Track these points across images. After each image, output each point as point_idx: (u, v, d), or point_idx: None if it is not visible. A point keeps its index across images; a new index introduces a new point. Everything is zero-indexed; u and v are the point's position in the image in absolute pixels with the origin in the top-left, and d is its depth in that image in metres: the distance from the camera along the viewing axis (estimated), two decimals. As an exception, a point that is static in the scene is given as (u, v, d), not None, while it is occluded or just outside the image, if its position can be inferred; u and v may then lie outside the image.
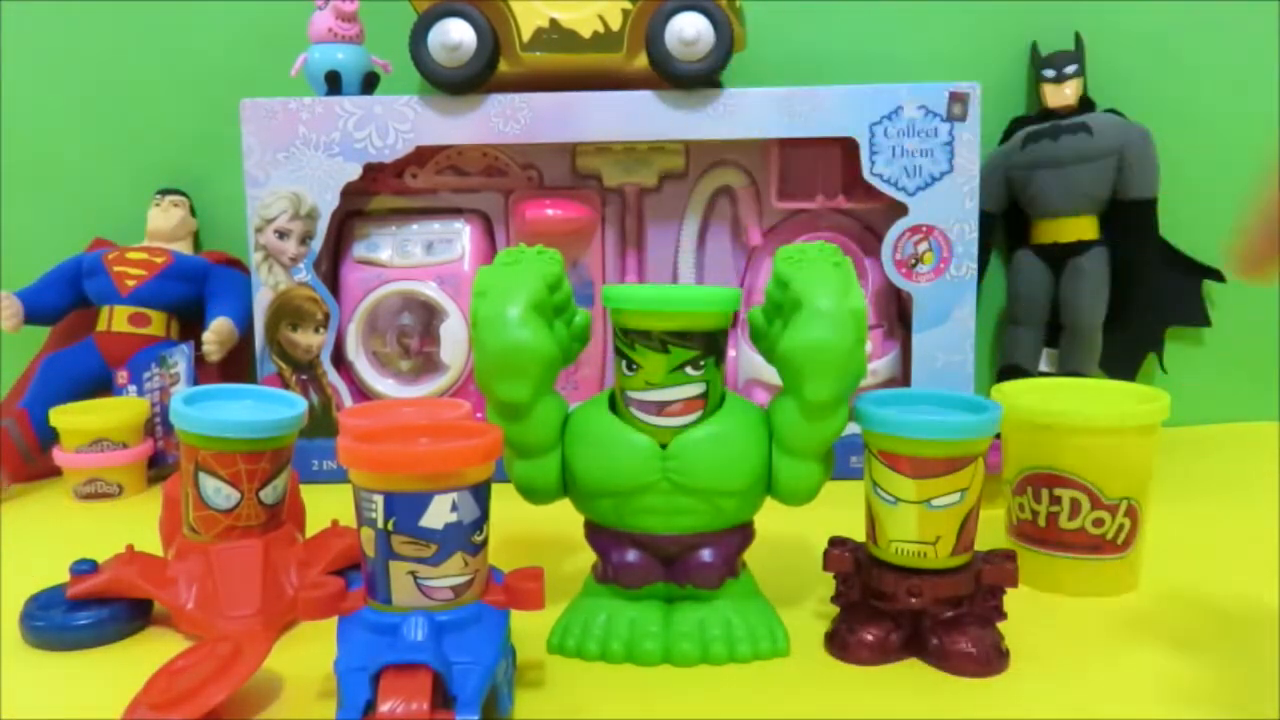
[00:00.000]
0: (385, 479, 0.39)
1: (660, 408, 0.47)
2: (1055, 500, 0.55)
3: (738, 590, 0.50)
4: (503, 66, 0.79)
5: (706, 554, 0.48)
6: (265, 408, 0.54)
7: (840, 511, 0.54)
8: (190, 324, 0.90)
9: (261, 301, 0.81)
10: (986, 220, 0.85)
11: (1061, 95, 0.89)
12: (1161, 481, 0.74)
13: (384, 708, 0.37)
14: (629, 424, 0.48)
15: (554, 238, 0.83)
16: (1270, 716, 0.42)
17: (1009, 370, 0.92)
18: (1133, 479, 0.55)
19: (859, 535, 0.51)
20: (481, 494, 0.41)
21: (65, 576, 0.53)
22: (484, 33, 0.77)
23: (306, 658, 0.48)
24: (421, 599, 0.40)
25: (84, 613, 0.51)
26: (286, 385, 0.82)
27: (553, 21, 0.78)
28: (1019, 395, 0.58)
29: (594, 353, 0.87)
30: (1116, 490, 0.54)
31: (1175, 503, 0.70)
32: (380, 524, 0.39)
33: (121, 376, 0.86)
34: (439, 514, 0.39)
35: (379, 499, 0.39)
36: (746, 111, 0.78)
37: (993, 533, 0.57)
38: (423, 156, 0.85)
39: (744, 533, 0.50)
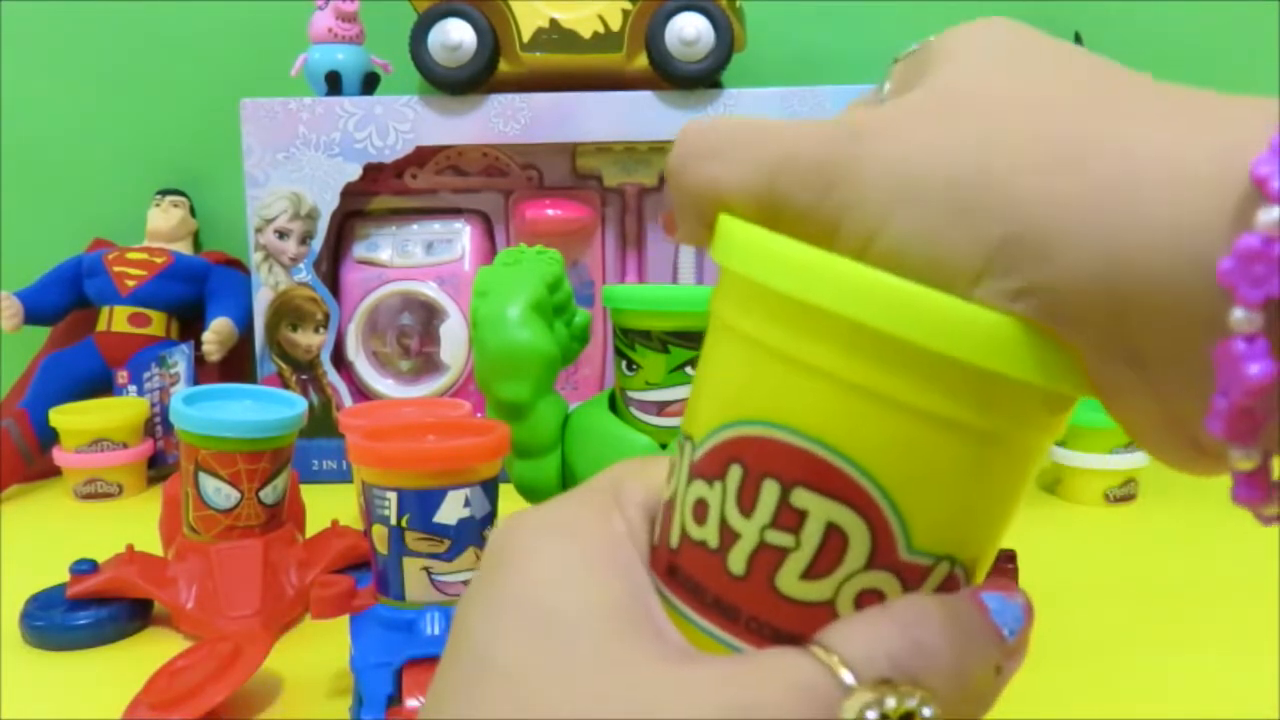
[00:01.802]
0: (399, 476, 0.39)
1: (660, 408, 0.47)
2: (789, 518, 0.19)
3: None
4: (503, 66, 0.79)
5: (706, 554, 0.48)
6: (265, 408, 0.54)
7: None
8: (190, 324, 0.90)
9: (261, 301, 0.81)
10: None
11: (1061, 95, 0.89)
12: (1157, 483, 0.74)
13: (410, 702, 0.37)
14: (629, 424, 0.48)
15: (554, 238, 0.83)
16: (1270, 716, 0.42)
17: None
18: (983, 514, 0.20)
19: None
20: (491, 489, 0.41)
21: (65, 576, 0.53)
22: (484, 33, 0.77)
23: (306, 658, 0.48)
24: (435, 594, 0.41)
25: (84, 613, 0.51)
26: (286, 385, 0.82)
27: (553, 21, 0.78)
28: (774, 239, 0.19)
29: (594, 353, 0.87)
30: (939, 533, 0.19)
31: (1173, 504, 0.71)
32: (394, 521, 0.40)
33: (121, 376, 0.86)
34: (453, 510, 0.40)
35: (392, 496, 0.39)
36: (746, 111, 0.78)
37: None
38: (423, 156, 0.85)
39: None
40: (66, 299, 0.90)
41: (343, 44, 0.82)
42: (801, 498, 0.18)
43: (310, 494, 0.61)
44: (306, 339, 0.82)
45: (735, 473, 0.19)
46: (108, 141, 0.99)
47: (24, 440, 0.81)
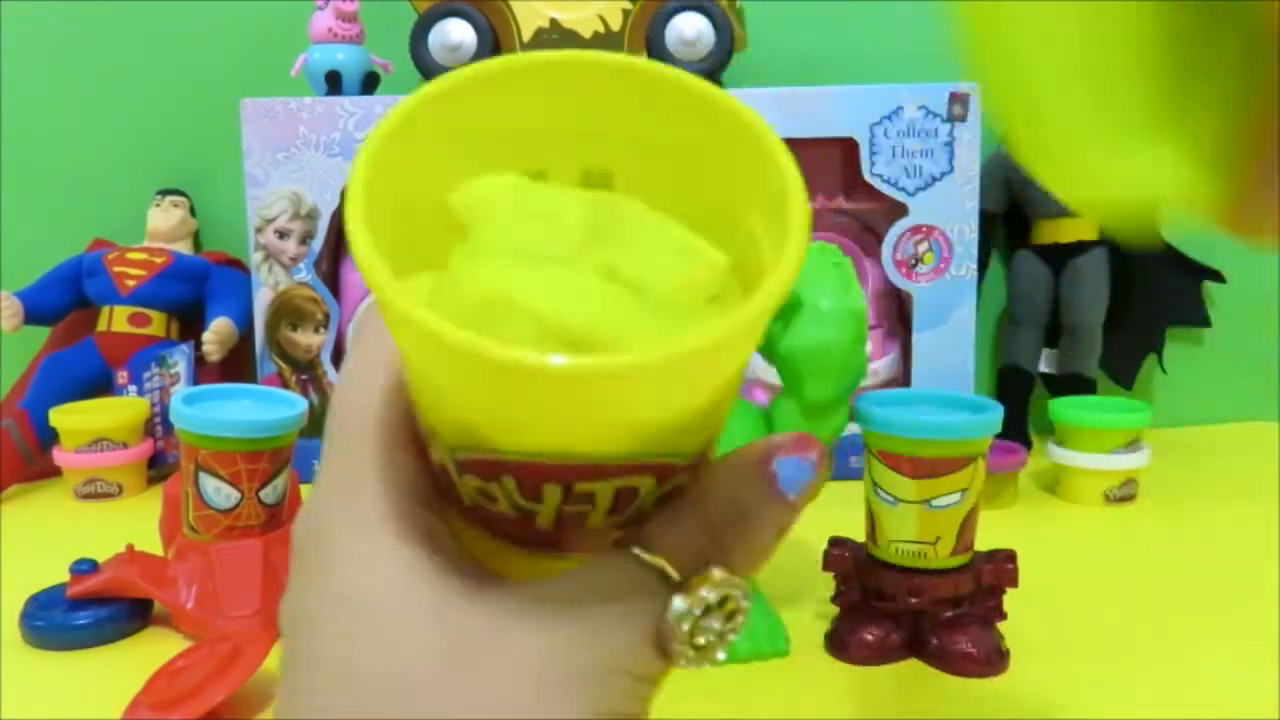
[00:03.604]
0: None
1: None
2: (580, 499, 0.20)
3: (737, 590, 0.50)
4: (503, 66, 0.79)
5: (706, 554, 0.48)
6: (265, 408, 0.54)
7: (840, 511, 0.54)
8: (190, 324, 0.90)
9: (261, 301, 0.81)
10: (987, 220, 0.85)
11: (1061, 95, 0.89)
12: (1157, 483, 0.74)
13: None
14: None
15: (554, 238, 0.83)
16: (1270, 717, 0.42)
17: (1009, 370, 0.92)
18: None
19: (859, 535, 0.51)
20: None
21: (65, 576, 0.53)
22: (484, 33, 0.77)
23: (306, 658, 0.48)
24: None
25: (84, 613, 0.51)
26: (286, 385, 0.82)
27: (553, 21, 0.78)
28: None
29: (594, 353, 0.87)
30: (701, 441, 0.22)
31: (1173, 504, 0.71)
32: None
33: (121, 376, 0.86)
34: None
35: None
36: (746, 111, 0.78)
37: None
38: (423, 156, 0.84)
39: (744, 533, 0.50)
40: (66, 299, 0.90)
41: (343, 44, 0.82)
42: (584, 486, 0.20)
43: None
44: (306, 339, 0.82)
45: (510, 482, 0.20)
46: (108, 141, 0.99)
47: (24, 440, 0.81)
